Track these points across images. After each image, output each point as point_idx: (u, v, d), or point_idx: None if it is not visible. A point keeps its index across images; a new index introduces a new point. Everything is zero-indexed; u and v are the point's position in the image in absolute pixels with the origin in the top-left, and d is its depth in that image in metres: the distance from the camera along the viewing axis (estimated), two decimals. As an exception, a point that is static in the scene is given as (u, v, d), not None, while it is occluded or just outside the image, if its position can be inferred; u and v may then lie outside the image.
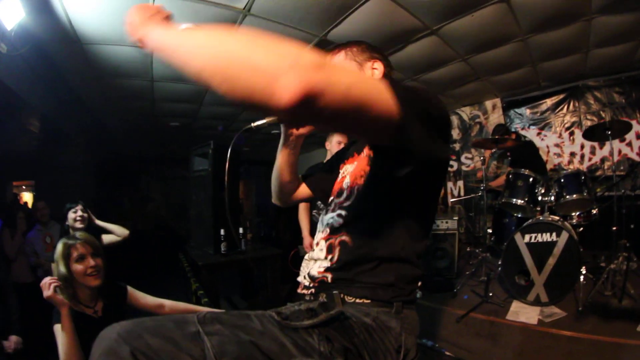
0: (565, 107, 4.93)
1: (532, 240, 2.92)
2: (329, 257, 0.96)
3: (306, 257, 1.06)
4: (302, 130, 1.11)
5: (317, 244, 1.03)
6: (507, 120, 5.46)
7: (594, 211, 3.20)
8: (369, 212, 0.94)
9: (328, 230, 1.01)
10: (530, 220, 3.03)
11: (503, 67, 4.25)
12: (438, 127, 0.76)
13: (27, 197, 8.14)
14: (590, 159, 4.72)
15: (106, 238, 2.85)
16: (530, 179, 3.23)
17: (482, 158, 3.99)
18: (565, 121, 4.93)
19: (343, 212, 0.99)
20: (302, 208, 3.13)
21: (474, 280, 3.53)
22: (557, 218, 2.97)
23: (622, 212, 2.99)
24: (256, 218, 9.68)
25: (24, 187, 8.49)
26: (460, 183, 6.05)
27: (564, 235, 2.79)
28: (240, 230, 3.42)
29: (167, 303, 1.94)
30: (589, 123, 4.61)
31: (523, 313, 2.79)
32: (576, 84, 4.76)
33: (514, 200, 3.24)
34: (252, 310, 0.81)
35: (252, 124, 1.01)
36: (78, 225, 2.74)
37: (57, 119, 4.58)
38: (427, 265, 3.92)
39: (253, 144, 7.95)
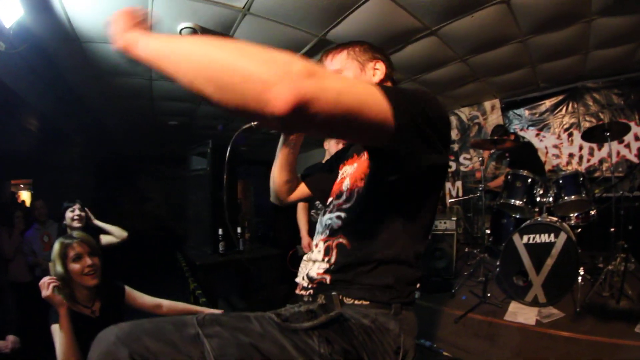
0: (564, 108, 4.94)
1: (531, 241, 2.93)
2: (326, 259, 0.95)
3: (305, 258, 1.06)
4: None
5: (316, 245, 1.03)
6: (505, 121, 5.47)
7: (592, 212, 3.21)
8: (368, 215, 0.93)
9: (327, 232, 1.00)
10: (528, 221, 3.03)
11: (502, 68, 4.25)
12: (437, 130, 0.75)
13: (25, 196, 8.12)
14: (588, 160, 4.73)
15: (104, 239, 2.84)
16: (529, 180, 3.23)
17: (480, 159, 3.99)
18: (564, 122, 4.93)
19: (342, 214, 0.99)
20: (301, 208, 3.13)
21: (472, 281, 3.53)
22: (555, 219, 2.97)
23: (620, 213, 3.00)
24: (254, 218, 9.66)
25: (22, 185, 8.46)
26: (459, 183, 6.05)
27: (562, 236, 2.80)
28: (239, 230, 3.42)
29: (165, 303, 1.94)
30: (587, 124, 4.63)
31: (521, 314, 2.79)
32: (575, 86, 4.77)
33: (513, 201, 3.25)
34: (250, 310, 0.80)
35: (253, 123, 1.01)
36: (76, 224, 2.74)
37: (56, 117, 4.57)
38: (425, 265, 3.92)
39: (251, 144, 7.95)
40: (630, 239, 2.95)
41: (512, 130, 5.15)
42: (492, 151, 5.26)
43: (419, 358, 0.94)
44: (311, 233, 3.03)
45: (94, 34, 2.92)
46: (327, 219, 1.03)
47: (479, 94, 5.32)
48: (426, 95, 0.77)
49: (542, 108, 5.15)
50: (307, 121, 0.53)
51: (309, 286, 0.96)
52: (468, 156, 5.97)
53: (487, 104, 5.68)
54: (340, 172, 1.18)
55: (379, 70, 1.06)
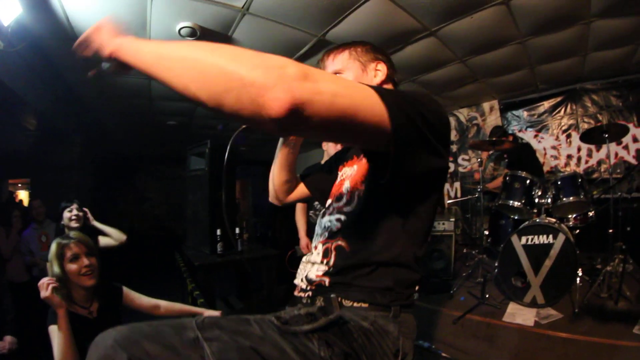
0: (563, 109, 4.95)
1: (529, 242, 2.93)
2: (325, 261, 0.95)
3: (304, 260, 1.05)
4: None
5: (315, 247, 1.02)
6: (504, 122, 5.48)
7: (591, 213, 3.22)
8: (368, 217, 0.93)
9: (327, 234, 1.00)
10: (526, 223, 3.03)
11: (501, 69, 4.26)
12: (435, 132, 0.74)
13: (23, 195, 8.11)
14: (586, 162, 4.74)
15: (102, 240, 2.83)
16: (527, 181, 3.24)
17: (479, 160, 3.99)
18: (562, 124, 4.95)
19: (342, 217, 0.98)
20: (299, 209, 3.12)
21: (471, 282, 3.53)
22: (553, 220, 2.98)
23: (619, 214, 3.00)
24: (253, 218, 9.67)
25: (19, 185, 8.45)
26: (457, 184, 6.06)
27: (561, 238, 2.80)
28: (237, 230, 3.40)
29: (163, 304, 1.93)
30: (585, 126, 4.64)
31: (519, 315, 2.79)
32: (574, 87, 4.78)
33: (511, 202, 3.25)
34: (248, 310, 0.80)
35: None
36: (73, 224, 2.72)
37: (54, 116, 4.55)
38: (423, 266, 3.91)
39: (250, 144, 7.94)
40: (628, 240, 2.96)
41: (510, 132, 5.16)
42: (491, 152, 5.27)
43: (418, 359, 0.94)
44: (310, 234, 3.03)
45: (93, 33, 2.91)
46: (327, 221, 1.02)
47: (478, 95, 5.33)
48: (424, 97, 0.76)
49: (541, 109, 5.16)
50: (303, 124, 0.53)
51: (308, 288, 0.96)
52: (466, 157, 5.98)
53: (486, 105, 5.69)
54: (340, 173, 1.18)
55: (380, 71, 1.05)
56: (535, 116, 5.21)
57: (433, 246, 3.98)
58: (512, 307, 2.94)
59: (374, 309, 0.86)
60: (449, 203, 5.63)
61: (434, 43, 3.45)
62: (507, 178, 3.37)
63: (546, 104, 5.09)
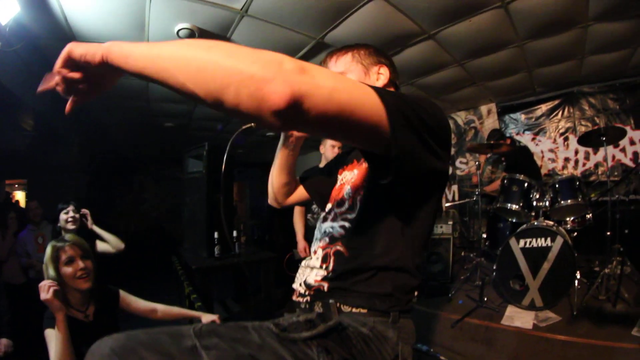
0: (560, 112, 4.97)
1: (527, 245, 2.93)
2: (324, 266, 0.94)
3: (302, 264, 1.04)
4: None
5: (315, 252, 1.01)
6: (502, 125, 5.50)
7: (588, 216, 3.23)
8: (367, 222, 0.92)
9: (327, 239, 0.99)
10: (524, 225, 3.03)
11: (499, 73, 4.27)
12: (435, 135, 0.74)
13: (20, 196, 8.06)
14: (584, 165, 4.76)
15: (100, 246, 2.80)
16: (525, 184, 3.24)
17: (477, 163, 4.00)
18: (560, 127, 4.97)
19: (346, 224, 0.97)
20: (297, 212, 3.11)
21: (469, 285, 3.52)
22: (551, 223, 2.98)
23: (616, 217, 3.01)
24: (250, 221, 9.64)
25: (16, 185, 8.40)
26: (455, 187, 6.06)
27: (559, 240, 2.80)
28: (234, 233, 3.39)
29: (160, 307, 1.92)
30: (583, 129, 4.66)
31: (518, 317, 2.78)
32: (571, 90, 4.80)
33: (509, 205, 3.25)
34: (246, 313, 0.79)
35: (253, 123, 0.99)
36: (70, 226, 2.69)
37: (52, 117, 4.53)
38: (421, 270, 3.91)
39: (247, 146, 7.94)
40: (626, 243, 2.96)
41: (508, 135, 5.18)
42: (489, 155, 5.28)
43: (417, 364, 0.93)
44: (308, 237, 3.02)
45: (91, 32, 2.89)
46: (329, 227, 1.01)
47: (476, 98, 5.34)
48: (425, 101, 0.76)
49: (538, 112, 5.18)
50: (302, 117, 0.53)
51: (306, 293, 0.95)
52: (464, 160, 5.98)
53: (484, 108, 5.71)
54: (340, 177, 1.17)
55: (383, 74, 1.05)
56: (533, 119, 5.23)
57: (431, 249, 3.98)
58: (510, 310, 2.93)
59: (373, 314, 0.85)
60: (446, 206, 5.64)
61: (432, 46, 3.46)
62: (505, 181, 3.37)
63: (544, 107, 5.11)
